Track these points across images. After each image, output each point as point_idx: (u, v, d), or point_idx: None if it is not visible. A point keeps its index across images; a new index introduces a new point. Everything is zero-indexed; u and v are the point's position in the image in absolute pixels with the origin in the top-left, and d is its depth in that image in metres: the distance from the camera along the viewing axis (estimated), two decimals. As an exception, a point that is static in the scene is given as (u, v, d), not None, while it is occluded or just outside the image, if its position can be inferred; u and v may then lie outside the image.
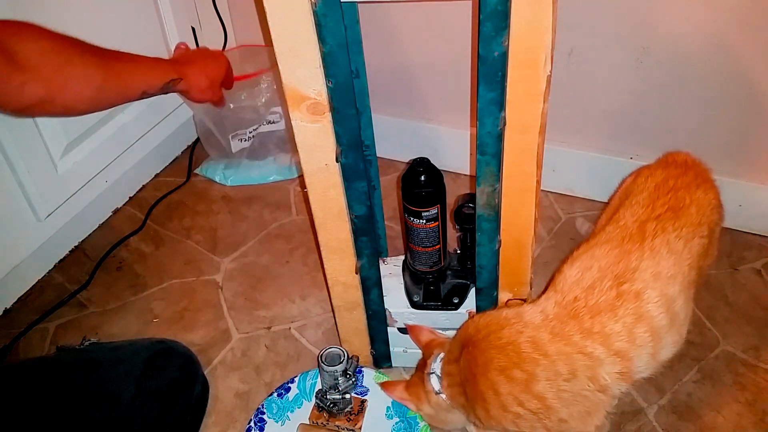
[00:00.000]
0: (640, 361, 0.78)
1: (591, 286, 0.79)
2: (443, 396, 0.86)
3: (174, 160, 1.57)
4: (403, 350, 1.03)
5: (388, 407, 0.98)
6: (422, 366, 0.92)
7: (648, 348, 0.77)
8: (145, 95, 0.95)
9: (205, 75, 1.04)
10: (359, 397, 0.99)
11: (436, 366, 0.87)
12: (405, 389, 0.93)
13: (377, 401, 0.99)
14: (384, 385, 0.97)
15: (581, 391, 0.77)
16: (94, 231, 1.38)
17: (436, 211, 0.91)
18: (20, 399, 0.85)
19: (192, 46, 1.41)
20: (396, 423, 0.96)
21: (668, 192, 0.87)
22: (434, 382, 0.86)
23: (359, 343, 1.03)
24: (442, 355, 0.87)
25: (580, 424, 0.79)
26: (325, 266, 0.93)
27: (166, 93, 1.00)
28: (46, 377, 0.88)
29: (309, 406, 0.99)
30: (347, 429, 0.95)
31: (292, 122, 0.76)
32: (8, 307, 1.21)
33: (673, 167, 0.92)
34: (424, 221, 0.91)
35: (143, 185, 1.50)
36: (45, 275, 1.28)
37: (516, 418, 0.78)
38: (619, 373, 0.77)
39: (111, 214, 1.42)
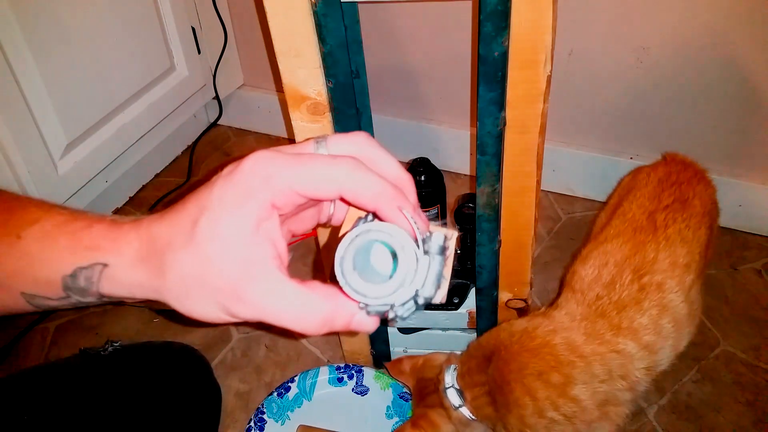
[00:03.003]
0: (663, 354, 0.78)
1: (611, 282, 0.79)
2: (463, 410, 0.82)
3: (174, 160, 1.57)
4: (403, 350, 1.03)
5: (388, 407, 0.98)
6: (421, 397, 0.88)
7: (671, 339, 0.77)
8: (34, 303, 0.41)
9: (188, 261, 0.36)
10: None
11: (451, 380, 0.83)
12: (412, 428, 0.85)
13: (377, 401, 0.99)
14: None
15: (614, 390, 0.76)
16: (94, 231, 1.38)
17: (436, 211, 0.91)
18: (63, 423, 0.84)
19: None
20: (396, 422, 0.96)
21: (672, 185, 0.88)
22: (453, 397, 0.82)
23: (359, 343, 1.03)
24: (453, 367, 0.84)
25: (607, 424, 0.78)
26: (325, 266, 0.92)
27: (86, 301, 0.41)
28: (83, 399, 0.86)
29: (309, 405, 0.99)
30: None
31: (292, 122, 0.76)
32: (8, 307, 1.21)
33: (673, 164, 0.93)
34: (424, 221, 0.91)
35: (143, 185, 1.50)
36: (45, 275, 1.28)
37: (550, 423, 0.76)
38: (646, 368, 0.77)
39: (111, 214, 1.42)
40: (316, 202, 0.40)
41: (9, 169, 1.07)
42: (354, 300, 0.34)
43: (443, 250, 0.35)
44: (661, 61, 1.14)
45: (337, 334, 1.06)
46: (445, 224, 0.33)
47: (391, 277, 0.34)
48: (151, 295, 0.37)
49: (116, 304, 1.20)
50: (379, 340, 1.02)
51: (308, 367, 1.05)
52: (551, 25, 0.64)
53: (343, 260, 0.34)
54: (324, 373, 1.02)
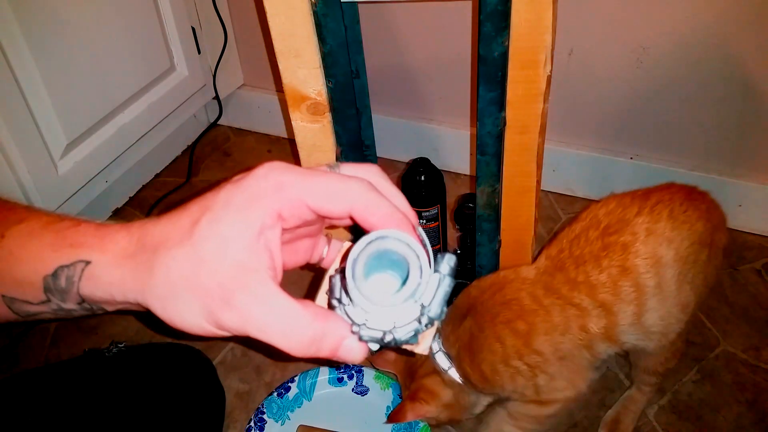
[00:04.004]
0: (624, 318, 0.78)
1: (577, 237, 0.79)
2: (452, 372, 0.84)
3: (174, 160, 1.57)
4: (403, 350, 1.03)
5: (388, 407, 0.98)
6: (412, 374, 0.89)
7: (633, 306, 0.77)
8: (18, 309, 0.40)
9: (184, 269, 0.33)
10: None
11: (437, 345, 0.85)
12: (411, 401, 0.86)
13: (377, 401, 0.99)
14: (391, 418, 0.89)
15: (574, 346, 0.78)
16: (94, 231, 1.38)
17: (436, 211, 0.91)
18: (68, 421, 0.83)
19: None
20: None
21: (684, 189, 0.85)
22: (442, 360, 0.85)
23: (359, 343, 1.03)
24: (437, 336, 0.86)
25: (566, 385, 0.80)
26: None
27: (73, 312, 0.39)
28: (90, 399, 0.86)
29: (309, 405, 0.99)
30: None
31: (292, 122, 0.76)
32: (8, 307, 1.21)
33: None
34: (424, 221, 0.91)
35: (143, 185, 1.50)
36: (45, 275, 1.28)
37: (515, 373, 0.79)
38: (605, 327, 0.77)
39: (111, 214, 1.42)
40: (313, 234, 0.40)
41: (9, 169, 1.07)
42: (347, 313, 0.33)
43: (453, 272, 0.33)
44: (661, 61, 1.14)
45: (328, 362, 1.04)
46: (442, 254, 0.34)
47: (399, 290, 0.33)
48: (131, 296, 0.34)
49: (98, 316, 1.20)
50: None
51: (308, 368, 1.05)
52: (551, 25, 0.65)
53: (355, 264, 0.32)
54: (324, 373, 1.02)
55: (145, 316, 1.18)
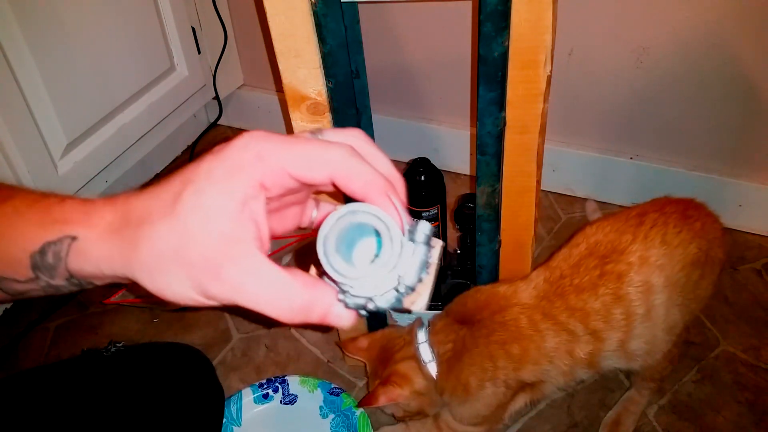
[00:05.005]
0: (609, 344, 0.79)
1: (577, 264, 0.80)
2: (431, 366, 0.84)
3: (174, 160, 1.57)
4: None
5: (320, 406, 0.99)
6: (385, 360, 0.89)
7: (620, 333, 0.78)
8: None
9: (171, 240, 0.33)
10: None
11: (424, 336, 0.85)
12: (384, 385, 0.85)
13: (309, 405, 1.00)
14: (363, 402, 0.88)
15: (558, 373, 0.80)
16: (94, 231, 1.38)
17: (436, 211, 0.91)
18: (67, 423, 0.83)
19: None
20: (333, 419, 0.97)
21: (679, 206, 0.86)
22: (425, 352, 0.84)
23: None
24: (425, 328, 0.86)
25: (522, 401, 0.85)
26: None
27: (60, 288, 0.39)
28: (89, 400, 0.86)
29: (242, 431, 0.98)
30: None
31: (292, 122, 0.76)
32: (8, 307, 1.21)
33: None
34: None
35: (143, 185, 1.49)
36: (45, 275, 1.28)
37: (495, 393, 0.81)
38: (590, 353, 0.78)
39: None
40: (301, 200, 0.40)
41: (9, 170, 1.07)
42: (334, 281, 0.33)
43: (428, 239, 0.34)
44: (661, 61, 1.14)
45: (318, 328, 1.05)
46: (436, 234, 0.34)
47: (372, 262, 0.33)
48: (119, 270, 0.35)
49: (97, 313, 1.19)
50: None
51: (308, 367, 1.05)
52: (551, 25, 0.64)
53: (326, 240, 0.33)
54: (247, 395, 1.01)
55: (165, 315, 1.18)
